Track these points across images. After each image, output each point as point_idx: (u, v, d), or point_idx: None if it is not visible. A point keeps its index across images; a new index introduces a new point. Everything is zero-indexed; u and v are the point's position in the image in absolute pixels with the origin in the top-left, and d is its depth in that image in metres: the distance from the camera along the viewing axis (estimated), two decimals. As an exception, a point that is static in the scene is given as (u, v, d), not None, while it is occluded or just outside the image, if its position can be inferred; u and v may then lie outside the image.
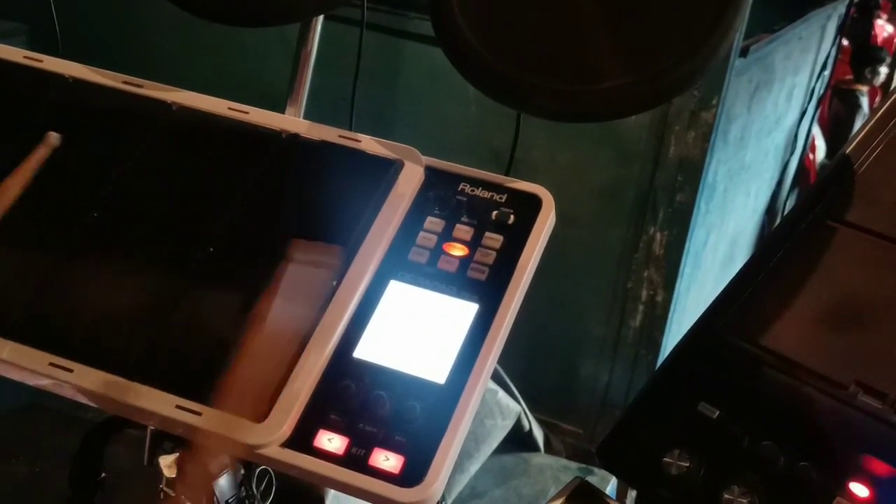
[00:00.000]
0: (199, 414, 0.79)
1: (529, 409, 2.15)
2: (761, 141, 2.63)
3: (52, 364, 0.82)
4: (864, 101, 4.80)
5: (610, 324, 2.28)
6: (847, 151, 1.03)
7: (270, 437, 0.77)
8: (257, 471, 1.05)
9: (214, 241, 0.87)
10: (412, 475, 0.75)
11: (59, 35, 1.26)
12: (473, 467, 1.98)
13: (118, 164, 0.92)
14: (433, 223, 0.89)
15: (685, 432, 0.86)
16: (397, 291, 0.85)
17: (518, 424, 2.11)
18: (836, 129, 4.74)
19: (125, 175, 0.92)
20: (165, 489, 1.06)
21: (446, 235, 0.88)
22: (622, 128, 2.10)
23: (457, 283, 0.85)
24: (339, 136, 0.94)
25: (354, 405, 0.79)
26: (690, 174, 2.08)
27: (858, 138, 1.03)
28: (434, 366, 0.81)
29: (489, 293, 0.85)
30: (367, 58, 1.30)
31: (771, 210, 3.10)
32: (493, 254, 0.87)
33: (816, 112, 3.20)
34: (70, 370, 0.81)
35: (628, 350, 2.28)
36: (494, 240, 0.88)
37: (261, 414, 0.78)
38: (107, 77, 0.99)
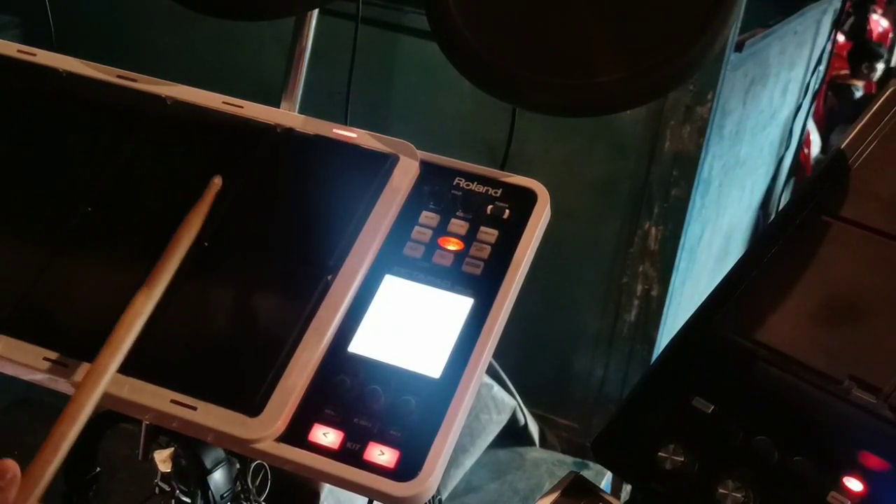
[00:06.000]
0: (193, 409, 0.78)
1: (524, 404, 2.15)
2: (756, 136, 2.63)
3: (46, 359, 0.81)
4: (860, 96, 4.81)
5: (605, 318, 2.28)
6: (842, 147, 1.03)
7: (265, 432, 0.77)
8: (252, 465, 1.05)
9: (209, 237, 0.87)
10: (407, 469, 0.75)
11: (53, 29, 1.25)
12: (469, 461, 1.99)
13: (112, 159, 0.92)
14: (428, 218, 0.89)
15: (680, 427, 0.86)
16: (392, 286, 0.85)
17: (513, 419, 2.11)
18: (831, 124, 4.75)
19: (119, 170, 0.92)
20: (160, 483, 1.06)
21: (441, 230, 0.88)
22: (617, 122, 2.11)
23: (452, 277, 0.85)
24: (334, 131, 0.94)
25: (349, 400, 0.79)
26: (685, 169, 2.08)
27: (853, 133, 1.03)
28: (429, 360, 0.81)
29: (484, 288, 0.85)
30: (362, 52, 1.29)
31: (766, 205, 3.11)
32: (488, 248, 0.87)
33: (811, 107, 3.20)
34: (64, 365, 0.81)
35: (623, 344, 2.29)
36: (489, 234, 0.88)
37: (255, 409, 0.78)
38: (101, 71, 0.98)
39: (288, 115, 0.96)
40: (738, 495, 0.81)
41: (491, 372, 2.05)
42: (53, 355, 0.82)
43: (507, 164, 1.11)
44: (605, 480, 1.84)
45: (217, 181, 0.89)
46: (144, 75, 0.98)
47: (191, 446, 1.00)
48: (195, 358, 0.83)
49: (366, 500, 0.83)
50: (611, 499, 0.91)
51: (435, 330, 0.82)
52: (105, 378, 0.77)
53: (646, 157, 2.11)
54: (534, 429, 2.23)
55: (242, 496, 1.05)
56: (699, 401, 0.87)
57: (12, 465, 0.69)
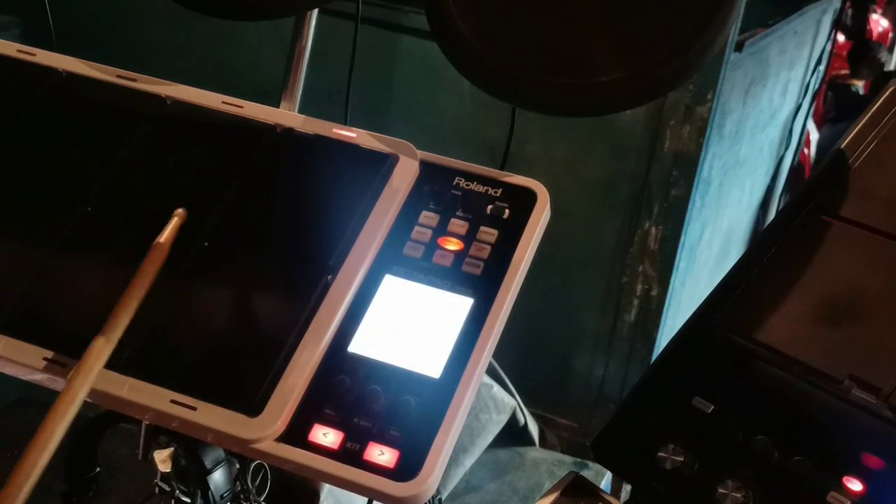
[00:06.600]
0: (193, 409, 0.78)
1: (524, 404, 2.15)
2: (756, 136, 2.63)
3: (45, 359, 0.81)
4: (854, 92, 4.80)
5: (605, 318, 2.28)
6: (841, 146, 1.03)
7: (265, 432, 0.77)
8: (252, 465, 1.05)
9: (209, 237, 0.87)
10: (407, 469, 0.75)
11: (53, 28, 1.25)
12: (468, 461, 1.99)
13: (112, 159, 0.92)
14: (428, 217, 0.89)
15: (679, 427, 0.86)
16: (392, 286, 0.85)
17: (513, 419, 2.11)
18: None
19: (119, 169, 0.92)
20: (160, 483, 1.06)
21: (441, 230, 0.88)
22: (617, 122, 2.10)
23: (452, 277, 0.85)
24: (334, 131, 0.94)
25: (349, 400, 0.79)
26: (685, 168, 2.08)
27: (852, 133, 1.03)
28: (429, 360, 0.81)
29: (484, 287, 0.85)
30: (362, 52, 1.29)
31: (765, 205, 3.11)
32: (488, 248, 0.87)
33: (811, 107, 3.20)
34: (64, 365, 0.81)
35: (623, 344, 2.29)
36: (489, 234, 0.88)
37: (255, 409, 0.78)
38: (101, 71, 0.98)
39: (288, 115, 0.96)
40: (738, 495, 0.81)
41: (490, 372, 2.05)
42: (53, 355, 0.82)
43: (507, 164, 1.11)
44: (605, 480, 1.84)
45: (180, 213, 0.88)
46: (144, 75, 0.98)
47: (191, 446, 1.00)
48: (195, 358, 0.83)
49: (366, 500, 0.83)
50: (611, 499, 0.91)
51: (435, 330, 0.82)
52: (80, 395, 0.77)
53: (646, 157, 2.11)
54: (534, 429, 2.23)
55: (242, 496, 1.05)
56: (699, 400, 0.87)
57: None
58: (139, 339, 0.82)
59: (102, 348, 0.79)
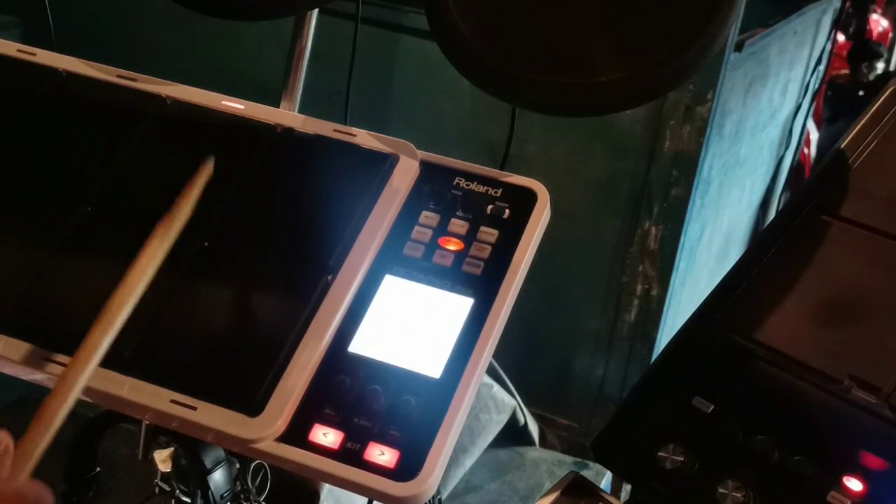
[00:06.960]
0: (193, 408, 0.79)
1: (524, 404, 2.15)
2: (756, 135, 2.63)
3: (45, 359, 0.81)
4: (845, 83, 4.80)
5: (605, 318, 2.28)
6: (841, 146, 1.03)
7: (265, 432, 0.77)
8: (252, 465, 1.05)
9: (209, 236, 0.87)
10: (407, 469, 0.75)
11: (53, 28, 1.25)
12: (469, 461, 1.99)
13: (112, 159, 0.92)
14: (428, 217, 0.89)
15: (679, 426, 0.86)
16: (392, 286, 0.85)
17: (513, 419, 2.11)
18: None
19: (119, 169, 0.92)
20: (160, 483, 1.06)
21: (441, 230, 0.88)
22: (617, 122, 2.10)
23: (452, 277, 0.85)
24: (334, 131, 0.94)
25: (349, 400, 0.79)
26: (685, 168, 2.08)
27: (852, 133, 1.03)
28: (429, 360, 0.81)
29: (484, 287, 0.85)
30: (362, 52, 1.29)
31: (765, 205, 3.11)
32: (489, 248, 0.87)
33: (811, 107, 3.20)
34: (64, 365, 0.81)
35: (623, 344, 2.29)
36: (489, 234, 0.88)
37: (255, 409, 0.78)
38: (101, 71, 0.98)
39: (288, 115, 0.96)
40: (738, 495, 0.81)
41: (491, 372, 2.05)
42: (53, 355, 0.82)
43: (507, 164, 1.11)
44: (605, 480, 1.84)
45: (208, 167, 0.88)
46: (144, 75, 0.98)
47: (191, 446, 1.00)
48: (195, 358, 0.83)
49: (366, 500, 0.83)
50: (611, 499, 0.91)
51: (435, 330, 0.82)
52: (98, 351, 0.76)
53: (646, 157, 2.11)
54: (534, 429, 2.23)
55: (242, 496, 1.05)
56: (699, 400, 0.87)
57: (4, 437, 0.68)
58: (139, 339, 0.82)
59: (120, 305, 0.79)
